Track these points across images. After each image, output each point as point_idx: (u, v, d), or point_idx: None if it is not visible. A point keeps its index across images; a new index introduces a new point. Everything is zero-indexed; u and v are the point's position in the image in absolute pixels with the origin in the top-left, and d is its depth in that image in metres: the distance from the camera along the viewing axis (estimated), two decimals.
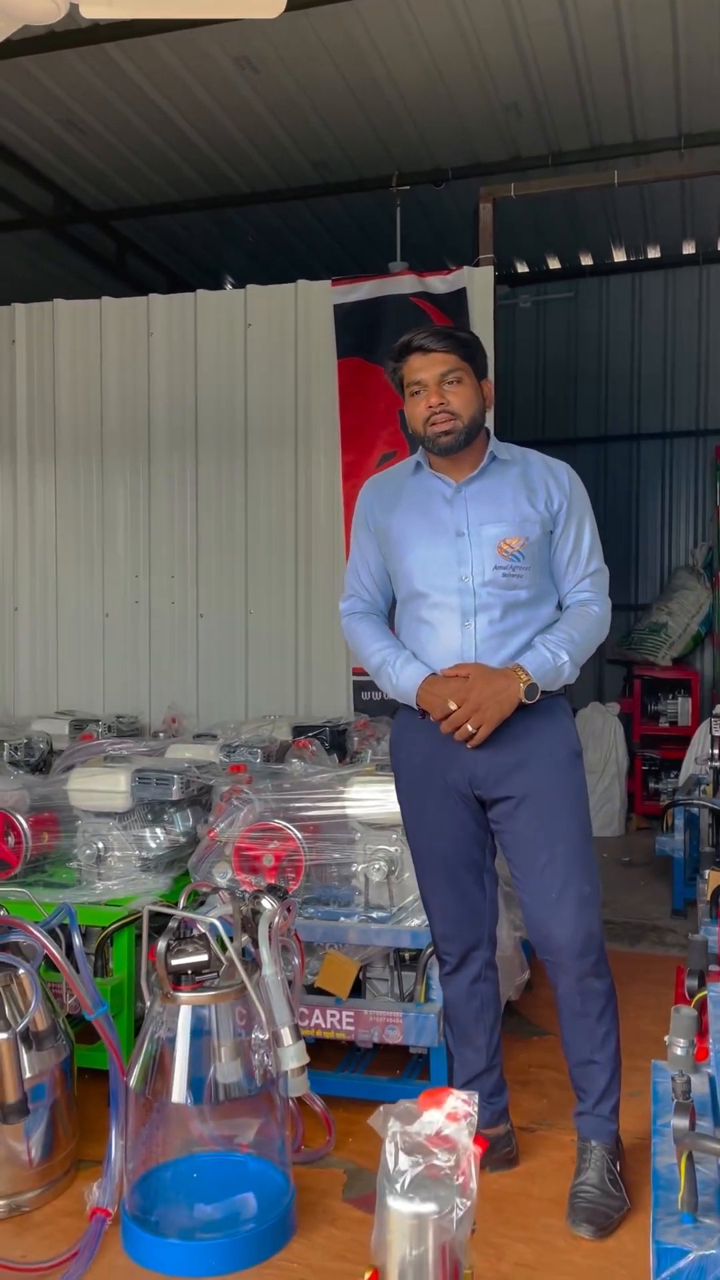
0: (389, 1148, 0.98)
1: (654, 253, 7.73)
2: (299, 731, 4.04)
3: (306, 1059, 2.30)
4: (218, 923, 2.26)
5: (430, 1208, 0.97)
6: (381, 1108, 1.03)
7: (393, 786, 2.88)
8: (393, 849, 2.87)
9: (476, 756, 2.32)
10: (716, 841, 4.55)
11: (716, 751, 4.79)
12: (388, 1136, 0.99)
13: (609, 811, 6.21)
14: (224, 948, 2.26)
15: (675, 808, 4.68)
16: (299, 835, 2.88)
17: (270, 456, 4.55)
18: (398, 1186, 0.97)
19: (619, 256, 7.81)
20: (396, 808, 2.86)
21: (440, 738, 2.31)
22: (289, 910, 2.40)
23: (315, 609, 4.51)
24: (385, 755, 3.94)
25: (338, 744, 4.05)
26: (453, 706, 2.25)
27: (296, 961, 2.41)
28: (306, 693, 4.54)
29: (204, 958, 2.28)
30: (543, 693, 2.29)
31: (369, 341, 4.36)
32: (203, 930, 2.32)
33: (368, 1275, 1.01)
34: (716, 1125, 2.03)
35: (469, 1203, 0.97)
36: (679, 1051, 2.26)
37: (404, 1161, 0.97)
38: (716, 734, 4.62)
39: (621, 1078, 2.47)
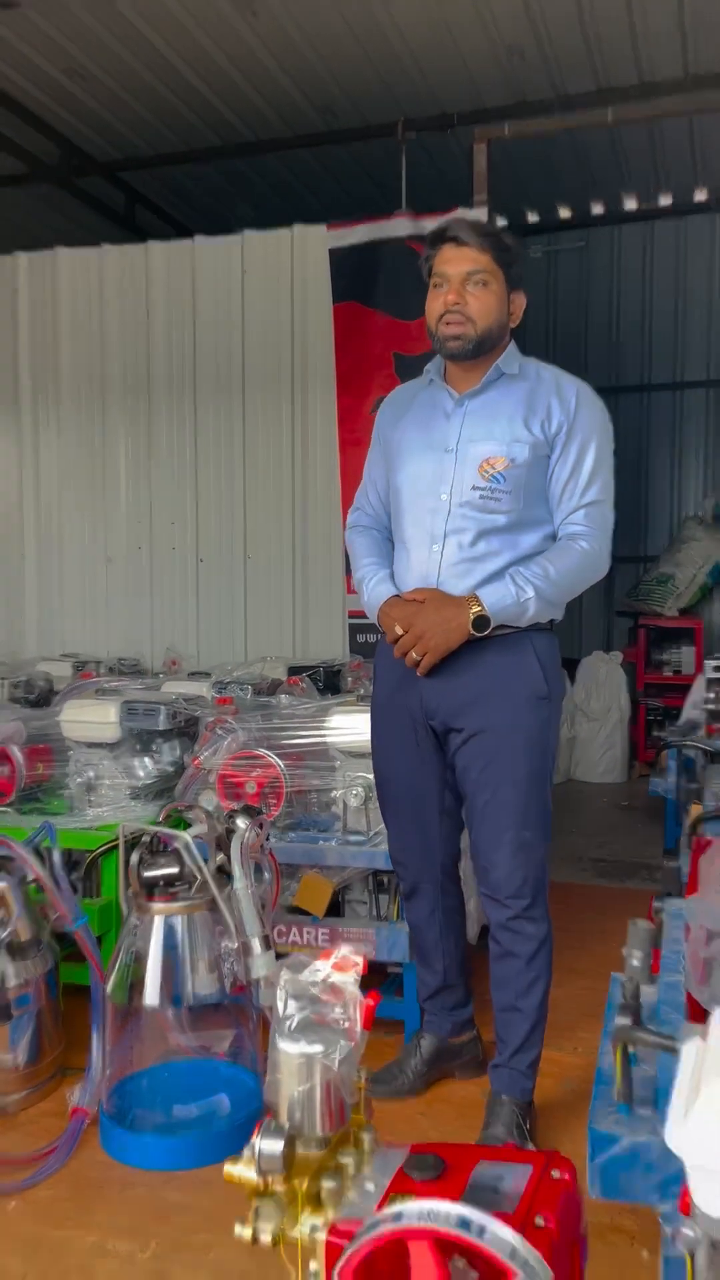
0: (280, 994, 1.06)
1: (665, 200, 7.64)
2: (294, 671, 4.12)
3: (275, 968, 2.39)
4: (188, 837, 2.34)
5: (316, 1049, 1.04)
6: (280, 961, 1.11)
7: None
8: (370, 776, 2.94)
9: (429, 685, 2.26)
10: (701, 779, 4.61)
11: (712, 695, 4.84)
12: (280, 985, 1.06)
13: (611, 758, 6.26)
14: (195, 860, 2.35)
15: (668, 749, 4.72)
16: (280, 763, 2.96)
17: (268, 402, 4.59)
18: (286, 1028, 1.04)
19: (630, 205, 7.72)
20: None
21: (404, 664, 2.26)
22: (260, 828, 2.48)
23: (312, 552, 4.57)
24: None
25: (331, 684, 4.13)
26: (399, 630, 2.20)
27: (269, 878, 2.50)
28: (304, 635, 4.61)
29: (175, 870, 2.37)
30: (511, 629, 2.18)
31: (364, 286, 4.38)
32: (176, 846, 2.41)
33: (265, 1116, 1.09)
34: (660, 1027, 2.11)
35: (351, 1044, 1.04)
36: (635, 963, 2.32)
37: (292, 1006, 1.04)
38: (712, 677, 4.66)
39: (544, 1036, 2.36)
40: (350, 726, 2.98)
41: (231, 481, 4.67)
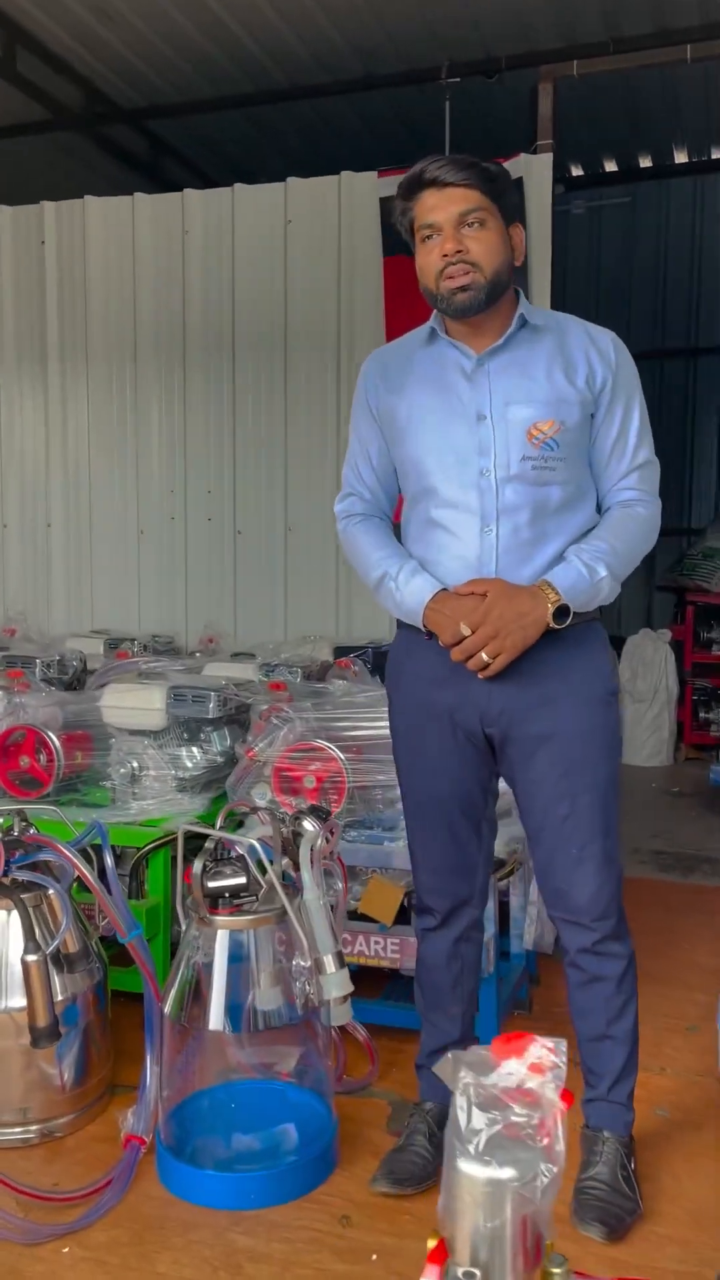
0: (460, 1101, 0.83)
1: (718, 154, 7.28)
2: (340, 652, 3.88)
3: (350, 988, 2.18)
4: (257, 844, 2.12)
5: (509, 1173, 0.81)
6: (450, 1054, 0.88)
7: None
8: None
9: (491, 690, 1.95)
10: None
11: None
12: (458, 1089, 0.83)
13: (657, 740, 6.02)
14: (263, 870, 2.13)
15: None
16: (341, 756, 2.73)
17: (312, 362, 4.31)
18: (471, 1148, 0.81)
19: (680, 158, 7.37)
20: None
21: (448, 663, 1.94)
22: (332, 833, 2.25)
23: None
24: None
25: (380, 666, 3.88)
26: (466, 631, 1.87)
27: (340, 886, 2.28)
28: (347, 613, 4.36)
29: (242, 880, 2.14)
30: (575, 616, 1.92)
31: None
32: (241, 852, 2.19)
33: (433, 1244, 0.86)
34: None
35: (555, 1169, 0.81)
36: None
37: (478, 1119, 0.81)
38: None
39: (639, 1059, 2.14)
40: None
41: (272, 449, 4.40)
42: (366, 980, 2.76)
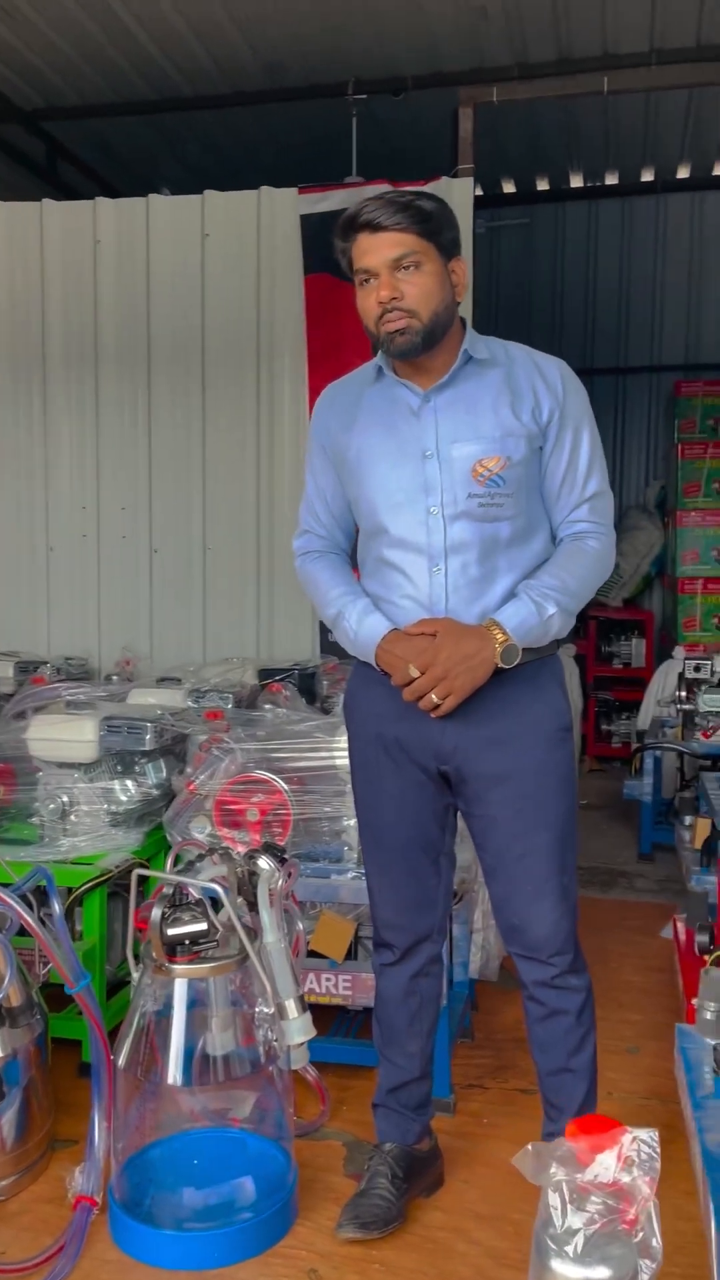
0: (553, 1199, 0.80)
1: (612, 179, 7.49)
2: (265, 675, 3.81)
3: (313, 1031, 2.13)
4: (219, 889, 2.04)
5: (607, 1274, 0.78)
6: (530, 1146, 0.85)
7: None
8: None
9: (445, 728, 1.95)
10: (688, 784, 4.48)
11: (683, 694, 4.72)
12: (549, 1185, 0.80)
13: None
14: (229, 917, 2.06)
15: (644, 751, 4.59)
16: (286, 787, 2.68)
17: (230, 379, 4.23)
18: (569, 1249, 0.78)
19: (576, 182, 7.54)
20: None
21: (402, 700, 1.93)
22: (290, 873, 2.20)
23: (279, 544, 4.25)
24: None
25: (306, 688, 3.83)
26: (414, 673, 1.88)
27: (300, 926, 2.22)
28: (269, 634, 4.29)
29: (203, 926, 2.07)
30: (528, 651, 1.92)
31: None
32: (199, 896, 2.11)
33: None
34: None
35: (653, 1265, 0.79)
36: (709, 1016, 2.15)
37: (575, 1218, 0.78)
38: (687, 676, 4.53)
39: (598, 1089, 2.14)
40: None
41: (189, 465, 4.29)
42: (314, 1016, 2.71)
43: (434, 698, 1.89)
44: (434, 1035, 2.22)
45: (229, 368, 4.25)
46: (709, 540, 6.58)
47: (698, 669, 4.41)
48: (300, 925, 2.22)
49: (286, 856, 2.26)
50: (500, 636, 1.89)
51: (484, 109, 5.39)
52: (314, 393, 4.12)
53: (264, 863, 2.20)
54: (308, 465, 2.18)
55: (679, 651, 5.31)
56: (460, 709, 1.91)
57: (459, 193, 3.95)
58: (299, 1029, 2.10)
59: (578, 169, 7.39)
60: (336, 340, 4.06)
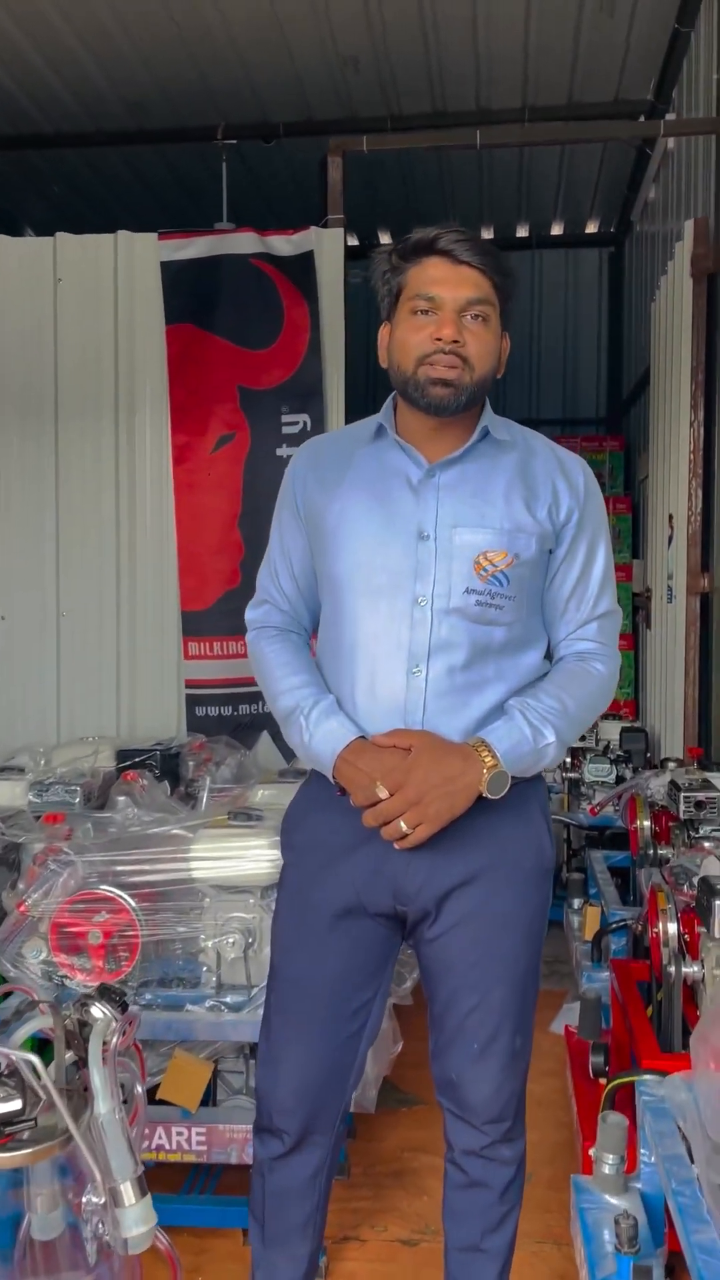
0: None
1: (488, 233, 7.48)
2: (124, 756, 3.47)
3: (154, 1218, 1.79)
4: (35, 1061, 1.71)
5: None
6: None
7: (251, 839, 2.42)
8: (250, 916, 2.38)
9: (410, 862, 1.65)
10: (576, 853, 4.29)
11: (568, 760, 4.56)
12: None
13: None
14: (48, 1091, 1.72)
15: None
16: (133, 904, 2.35)
17: (86, 432, 3.92)
18: None
19: None
20: (253, 865, 2.39)
21: (360, 827, 1.64)
22: (130, 1024, 1.87)
23: (140, 611, 3.93)
24: (227, 784, 3.46)
25: (169, 770, 3.51)
26: (382, 794, 1.59)
27: (140, 1089, 1.89)
28: (130, 708, 3.96)
29: (17, 1106, 1.72)
30: (514, 779, 1.63)
31: (202, 306, 3.80)
32: (14, 1063, 1.77)
33: None
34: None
35: None
36: (608, 1170, 1.91)
37: None
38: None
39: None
40: (222, 854, 2.41)
41: (41, 525, 3.95)
42: (164, 1174, 2.37)
43: (402, 825, 1.59)
44: (324, 1222, 1.88)
45: (85, 421, 3.94)
46: None
47: (582, 737, 4.24)
48: (140, 1089, 1.89)
49: (129, 1001, 1.93)
50: (489, 760, 1.59)
51: (361, 159, 5.28)
52: (178, 451, 3.85)
53: (98, 1011, 1.87)
54: (275, 523, 1.87)
55: None
56: (429, 840, 1.61)
57: (329, 243, 3.75)
58: (137, 1218, 1.76)
59: (452, 222, 7.36)
60: (198, 394, 3.80)
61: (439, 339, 1.60)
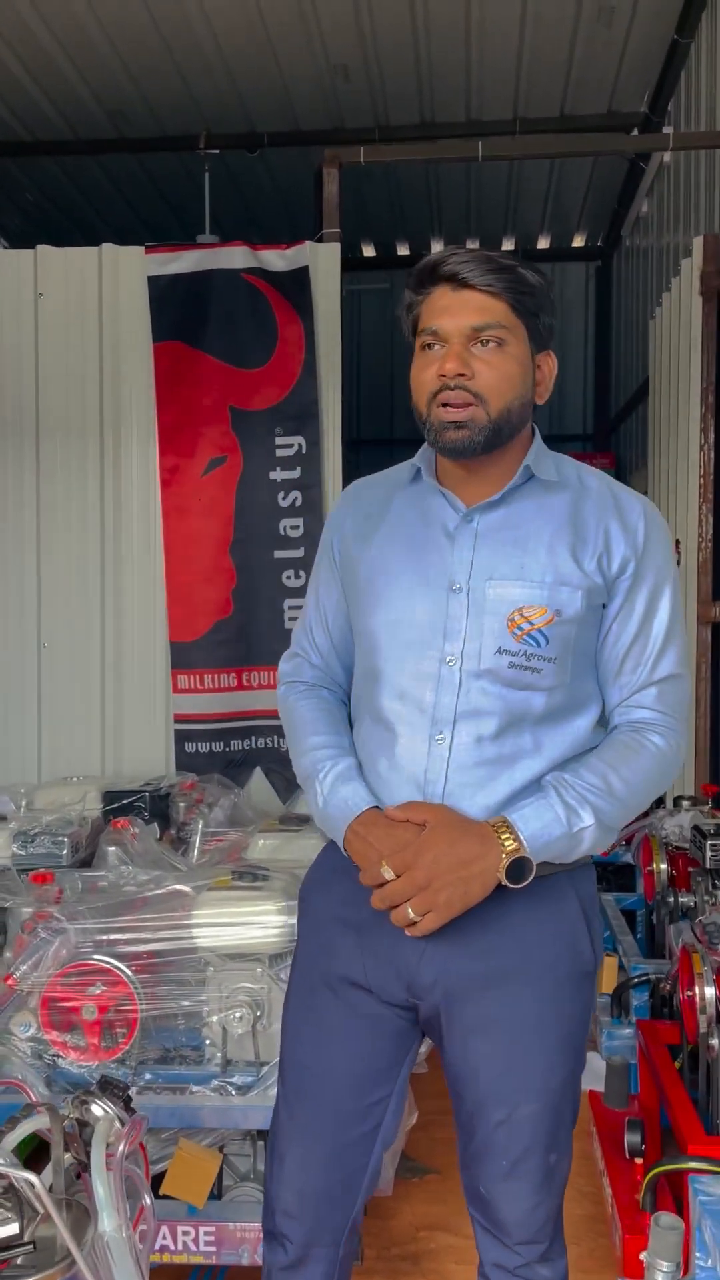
0: None
1: (472, 246, 7.36)
2: (111, 799, 3.28)
3: None
4: (34, 1179, 1.52)
5: None
6: None
7: (258, 903, 2.24)
8: (257, 987, 2.20)
9: (424, 951, 1.49)
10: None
11: None
12: None
13: None
14: (48, 1209, 1.53)
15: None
16: (131, 975, 2.17)
17: (71, 454, 3.72)
18: None
19: (437, 248, 7.38)
20: (261, 931, 2.21)
21: (373, 906, 1.48)
22: (137, 1128, 1.69)
23: (127, 642, 3.73)
24: (220, 827, 3.28)
25: (159, 812, 3.32)
26: (388, 874, 1.43)
27: (147, 1200, 1.70)
28: (116, 744, 3.76)
29: (14, 1230, 1.53)
30: (545, 865, 1.45)
31: (192, 323, 3.62)
32: (10, 1180, 1.58)
33: None
34: None
35: None
36: (661, 1278, 1.76)
37: None
38: None
39: None
40: (227, 919, 2.23)
41: (22, 552, 3.75)
42: (164, 1273, 2.18)
43: (410, 912, 1.43)
44: None
45: (69, 442, 3.75)
46: None
47: None
48: (147, 1199, 1.71)
49: (132, 1096, 1.75)
50: (510, 844, 1.42)
51: (348, 170, 5.15)
52: (166, 474, 3.67)
53: (99, 1109, 1.69)
54: (313, 574, 1.75)
55: None
56: (447, 929, 1.45)
57: (325, 258, 3.59)
58: None
59: (439, 235, 7.24)
60: (187, 415, 3.62)
61: (442, 375, 1.45)
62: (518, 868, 1.41)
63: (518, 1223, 1.56)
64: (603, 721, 1.58)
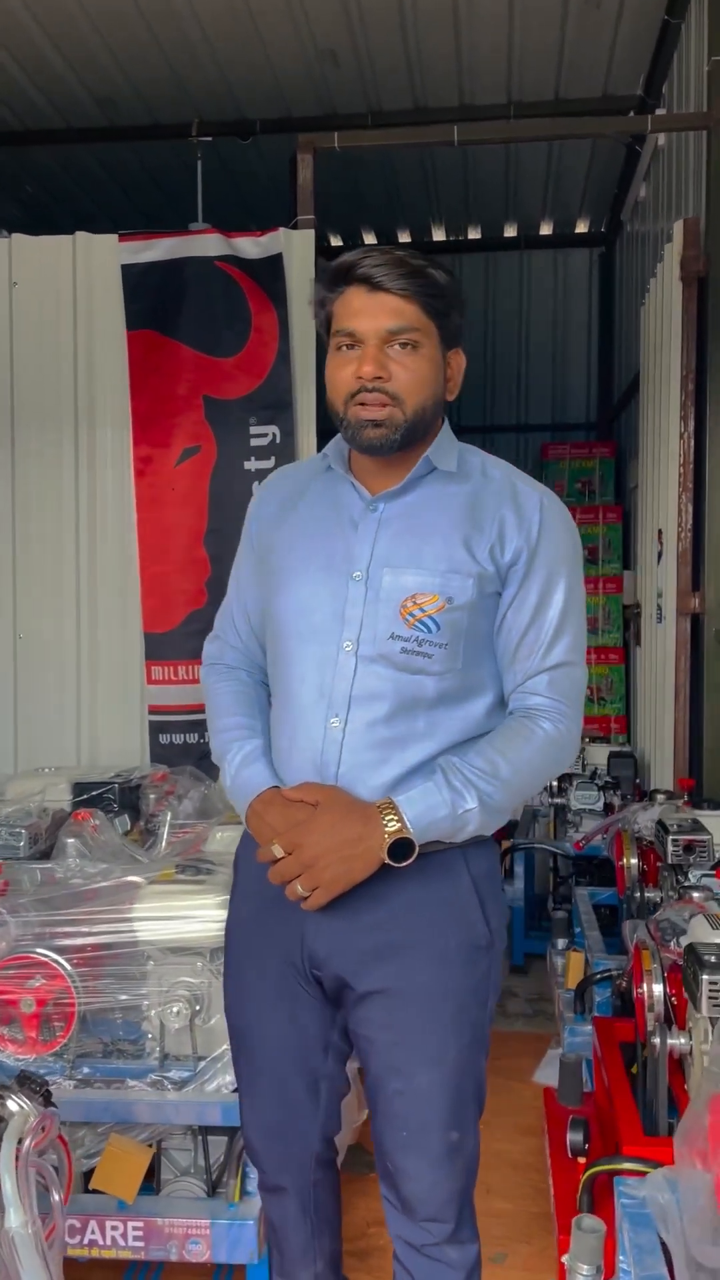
0: None
1: (475, 234, 7.29)
2: (80, 790, 3.27)
3: None
4: None
5: None
6: None
7: (198, 896, 2.23)
8: (197, 981, 2.19)
9: (318, 925, 1.55)
10: (563, 881, 4.09)
11: (555, 784, 4.36)
12: None
13: None
14: None
15: (515, 852, 4.20)
16: (69, 969, 2.16)
17: (46, 443, 3.71)
18: None
19: (438, 235, 7.32)
20: (200, 925, 2.20)
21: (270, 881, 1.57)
22: (48, 1122, 1.67)
23: (102, 633, 3.72)
24: (189, 819, 3.26)
25: (129, 803, 3.31)
26: (278, 853, 1.50)
27: (56, 1198, 1.69)
28: (92, 735, 3.75)
29: None
30: (434, 844, 1.50)
31: (165, 312, 3.59)
32: None
33: None
34: None
35: None
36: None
37: None
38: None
39: None
40: (168, 913, 2.22)
41: None
42: (93, 1274, 2.17)
43: (299, 888, 1.50)
44: (335, 1252, 1.81)
45: (44, 430, 3.74)
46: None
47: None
48: (57, 1197, 1.69)
49: (48, 1093, 1.74)
50: (394, 825, 1.46)
51: (345, 157, 5.09)
52: (139, 464, 3.65)
53: (14, 1104, 1.68)
54: (235, 559, 1.80)
55: None
56: (337, 903, 1.51)
57: (299, 245, 3.55)
58: None
59: (439, 222, 7.17)
60: (161, 404, 3.59)
61: (360, 377, 1.50)
62: (400, 848, 1.46)
63: (420, 1198, 1.59)
64: (503, 706, 1.61)
